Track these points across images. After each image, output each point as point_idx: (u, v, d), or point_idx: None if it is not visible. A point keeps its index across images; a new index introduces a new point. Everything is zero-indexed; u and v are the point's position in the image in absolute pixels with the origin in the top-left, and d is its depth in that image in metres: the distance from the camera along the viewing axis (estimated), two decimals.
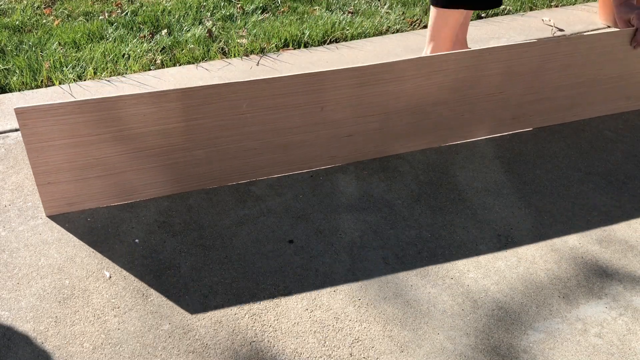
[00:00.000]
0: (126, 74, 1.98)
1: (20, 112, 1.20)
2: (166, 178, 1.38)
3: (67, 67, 1.96)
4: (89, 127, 1.25)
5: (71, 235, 1.27)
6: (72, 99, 1.24)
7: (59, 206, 1.32)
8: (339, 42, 2.29)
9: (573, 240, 1.31)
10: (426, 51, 1.77)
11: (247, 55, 2.14)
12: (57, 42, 2.12)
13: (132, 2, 2.57)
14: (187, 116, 1.31)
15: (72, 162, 1.28)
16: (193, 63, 2.07)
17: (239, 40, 2.19)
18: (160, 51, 2.13)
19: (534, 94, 1.65)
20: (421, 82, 1.48)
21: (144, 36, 2.21)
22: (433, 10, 1.68)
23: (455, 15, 1.66)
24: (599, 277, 1.21)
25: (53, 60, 1.99)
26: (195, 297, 1.14)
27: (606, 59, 1.67)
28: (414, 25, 2.44)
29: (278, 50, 2.19)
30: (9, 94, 1.84)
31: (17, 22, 2.30)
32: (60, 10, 2.46)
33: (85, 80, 1.93)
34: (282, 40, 2.23)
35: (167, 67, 2.05)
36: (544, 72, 1.61)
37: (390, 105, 1.49)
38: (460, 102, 1.57)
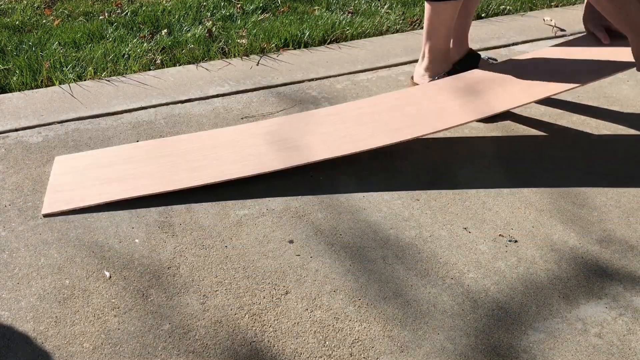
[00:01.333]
0: (126, 74, 1.98)
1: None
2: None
3: (67, 67, 1.96)
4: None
5: (71, 235, 1.27)
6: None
7: (57, 201, 1.34)
8: (339, 42, 2.28)
9: (573, 240, 1.31)
10: (423, 50, 1.76)
11: (247, 55, 2.14)
12: (57, 42, 2.12)
13: (132, 2, 2.57)
14: None
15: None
16: (193, 63, 2.07)
17: (239, 40, 2.19)
18: (160, 51, 2.12)
19: None
20: None
21: (144, 36, 2.21)
22: (427, 6, 1.67)
23: (449, 10, 1.65)
24: (599, 277, 1.21)
25: (53, 60, 1.99)
26: (195, 297, 1.14)
27: None
28: (414, 25, 2.44)
29: (278, 50, 2.19)
30: (9, 94, 1.84)
31: (17, 22, 2.30)
32: (60, 10, 2.46)
33: (85, 80, 1.93)
34: (282, 40, 2.23)
35: (167, 67, 2.05)
36: None
37: None
38: None
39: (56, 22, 2.32)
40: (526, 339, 1.07)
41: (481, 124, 1.73)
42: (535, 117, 1.79)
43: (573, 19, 2.52)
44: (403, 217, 1.36)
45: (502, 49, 2.23)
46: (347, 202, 1.40)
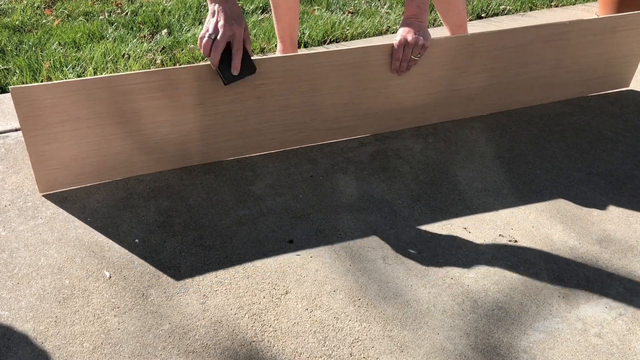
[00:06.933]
0: None
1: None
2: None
3: (67, 67, 1.96)
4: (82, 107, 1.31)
5: (71, 235, 1.27)
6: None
7: (53, 180, 1.37)
8: (339, 42, 2.29)
9: (573, 240, 1.31)
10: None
11: None
12: (57, 42, 2.12)
13: (132, 2, 2.57)
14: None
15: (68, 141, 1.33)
16: (193, 63, 2.07)
17: None
18: (160, 51, 2.13)
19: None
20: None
21: (144, 36, 2.22)
22: None
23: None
24: (599, 277, 1.21)
25: (53, 60, 1.99)
26: (195, 297, 1.14)
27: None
28: None
29: None
30: (9, 94, 1.84)
31: (17, 22, 2.30)
32: (60, 10, 2.46)
33: None
34: None
35: (167, 67, 2.05)
36: None
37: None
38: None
39: (56, 22, 2.32)
40: (526, 339, 1.07)
41: (481, 124, 1.73)
42: (535, 117, 1.79)
43: (573, 19, 2.52)
44: (403, 217, 1.36)
45: None
46: (347, 202, 1.40)
